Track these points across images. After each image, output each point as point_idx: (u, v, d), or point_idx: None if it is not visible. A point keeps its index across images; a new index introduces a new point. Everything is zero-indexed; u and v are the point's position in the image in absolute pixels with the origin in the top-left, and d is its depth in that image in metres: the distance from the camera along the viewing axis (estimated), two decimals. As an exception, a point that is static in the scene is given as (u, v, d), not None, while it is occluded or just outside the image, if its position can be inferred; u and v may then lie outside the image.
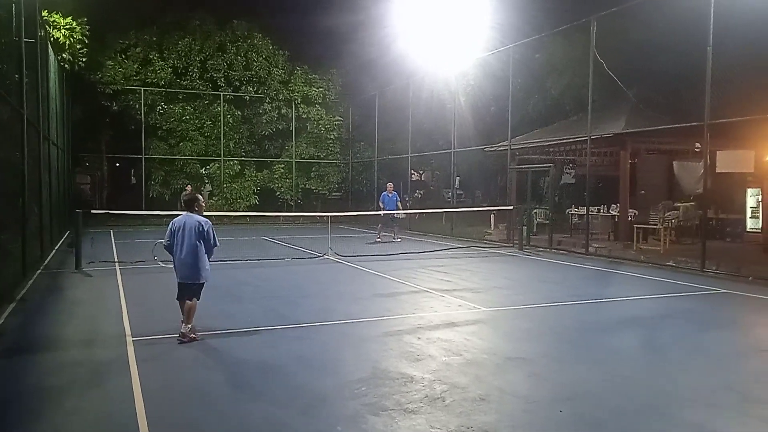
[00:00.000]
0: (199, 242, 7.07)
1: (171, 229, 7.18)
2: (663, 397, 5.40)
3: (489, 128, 23.78)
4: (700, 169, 16.57)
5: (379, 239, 19.79)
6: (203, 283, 7.22)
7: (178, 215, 7.38)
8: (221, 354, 6.67)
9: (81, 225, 13.44)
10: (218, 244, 7.27)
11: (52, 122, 16.72)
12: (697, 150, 17.05)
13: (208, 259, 7.23)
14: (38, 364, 6.33)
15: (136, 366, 6.04)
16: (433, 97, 24.87)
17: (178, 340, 6.95)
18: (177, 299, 7.22)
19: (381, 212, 20.06)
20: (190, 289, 7.15)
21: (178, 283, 7.18)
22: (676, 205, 17.73)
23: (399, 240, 19.79)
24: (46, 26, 16.51)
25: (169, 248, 7.20)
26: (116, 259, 14.29)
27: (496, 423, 4.74)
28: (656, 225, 16.41)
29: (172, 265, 7.30)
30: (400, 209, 20.68)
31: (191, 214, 7.22)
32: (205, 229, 7.08)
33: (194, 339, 7.03)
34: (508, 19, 23.16)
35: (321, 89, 30.25)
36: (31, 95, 12.46)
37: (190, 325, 7.08)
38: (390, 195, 20.20)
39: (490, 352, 6.71)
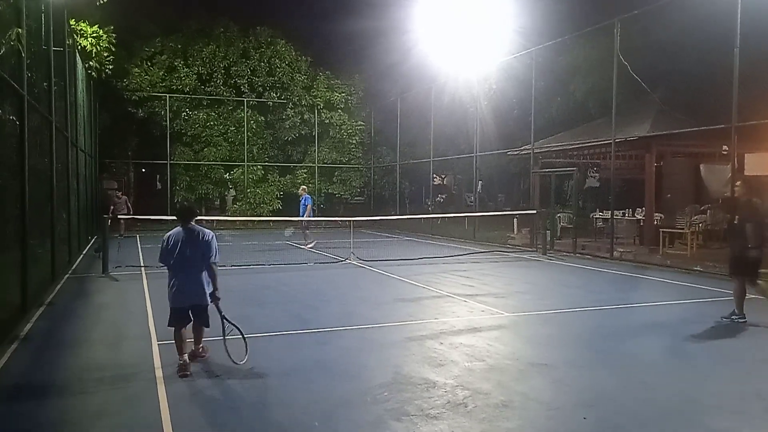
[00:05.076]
0: (203, 258, 6.09)
1: (166, 245, 6.06)
2: (688, 403, 5.32)
3: (512, 132, 23.65)
4: (727, 172, 16.28)
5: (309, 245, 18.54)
6: (207, 306, 6.22)
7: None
8: (244, 358, 6.71)
9: (108, 230, 13.65)
10: (218, 259, 6.25)
11: (79, 129, 17.04)
12: (724, 153, 16.75)
13: (213, 275, 6.16)
14: (65, 367, 6.43)
15: (161, 369, 6.11)
16: (455, 101, 24.80)
17: (185, 371, 5.90)
18: (170, 326, 6.20)
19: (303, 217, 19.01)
20: (196, 312, 6.17)
21: (176, 308, 6.13)
22: (703, 208, 17.43)
23: (308, 248, 18.21)
24: (74, 35, 16.84)
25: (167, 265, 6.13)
26: (142, 264, 14.50)
27: (518, 429, 4.71)
28: (683, 229, 16.16)
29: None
30: (310, 214, 19.29)
31: (191, 226, 6.14)
32: (209, 241, 6.10)
33: (205, 355, 6.43)
34: (530, 22, 23.05)
35: (343, 94, 30.47)
36: (59, 103, 12.70)
37: (201, 346, 6.44)
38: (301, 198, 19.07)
39: (512, 358, 6.67)
